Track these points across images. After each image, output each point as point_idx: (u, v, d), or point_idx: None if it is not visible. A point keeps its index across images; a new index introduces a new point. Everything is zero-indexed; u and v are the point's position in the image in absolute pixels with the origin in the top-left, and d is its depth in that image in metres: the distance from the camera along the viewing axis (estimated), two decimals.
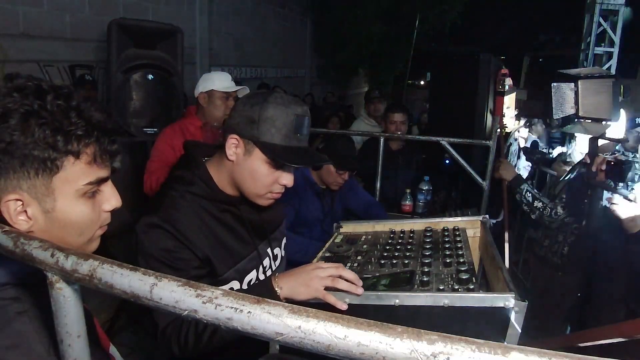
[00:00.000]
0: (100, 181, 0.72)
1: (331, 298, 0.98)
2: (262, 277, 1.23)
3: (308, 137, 1.13)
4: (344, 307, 0.97)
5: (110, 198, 0.75)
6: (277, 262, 1.32)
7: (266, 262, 1.25)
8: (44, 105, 0.64)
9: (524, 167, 4.02)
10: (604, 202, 1.85)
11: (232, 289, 1.14)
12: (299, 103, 1.11)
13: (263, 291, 1.01)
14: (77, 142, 0.66)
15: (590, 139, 2.14)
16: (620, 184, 1.76)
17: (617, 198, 1.71)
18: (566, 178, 2.57)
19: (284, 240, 1.39)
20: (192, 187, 1.12)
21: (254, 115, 1.06)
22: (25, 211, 0.66)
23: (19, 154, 0.63)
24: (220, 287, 0.49)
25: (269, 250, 1.27)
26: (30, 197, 0.65)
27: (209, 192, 1.13)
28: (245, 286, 1.18)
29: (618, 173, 1.74)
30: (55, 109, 0.65)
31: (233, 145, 1.09)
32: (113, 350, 0.88)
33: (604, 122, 2.03)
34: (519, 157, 3.92)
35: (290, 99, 1.11)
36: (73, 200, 0.69)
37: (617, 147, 2.20)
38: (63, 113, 0.65)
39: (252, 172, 1.09)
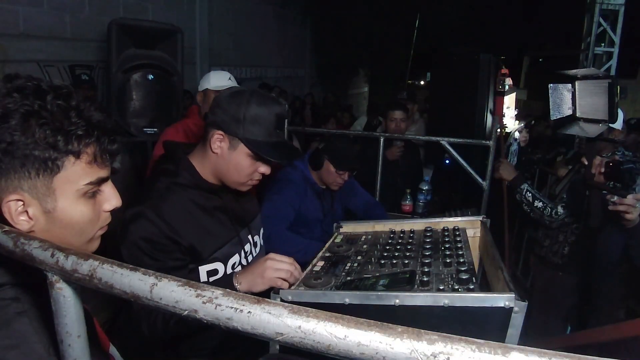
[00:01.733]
0: (101, 181, 0.72)
1: (284, 284, 1.09)
2: (244, 261, 1.34)
3: (285, 131, 1.24)
4: (285, 285, 1.09)
5: (111, 198, 0.75)
6: (257, 250, 1.42)
7: (247, 247, 1.35)
8: (44, 105, 0.64)
9: None
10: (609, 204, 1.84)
11: (216, 270, 1.25)
12: (277, 102, 1.23)
13: (225, 287, 1.07)
14: (77, 142, 0.66)
15: (588, 140, 2.14)
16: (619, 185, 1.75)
17: (619, 199, 1.70)
18: (566, 178, 2.57)
19: (262, 230, 1.49)
20: (177, 178, 1.22)
21: (239, 115, 1.16)
22: (27, 211, 0.66)
23: (20, 154, 0.63)
24: (217, 287, 0.49)
25: (249, 237, 1.38)
26: (31, 197, 0.65)
27: (193, 182, 1.23)
28: (229, 269, 1.28)
29: (617, 174, 1.73)
30: (56, 109, 0.65)
31: (218, 140, 1.19)
32: (113, 350, 0.88)
33: (600, 124, 2.03)
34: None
35: (270, 98, 1.23)
36: (74, 200, 0.69)
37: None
38: (63, 113, 0.65)
39: (236, 164, 1.21)
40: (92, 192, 0.71)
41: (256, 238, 1.42)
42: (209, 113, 1.24)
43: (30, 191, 0.65)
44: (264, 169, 1.24)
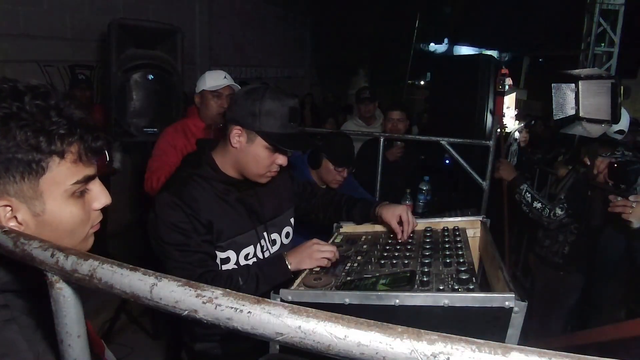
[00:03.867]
0: (88, 179, 0.70)
1: (329, 263, 1.26)
2: (260, 254, 1.41)
3: (298, 124, 1.34)
4: (329, 264, 1.25)
5: (100, 196, 0.73)
6: (276, 247, 1.47)
7: (263, 242, 1.42)
8: (23, 107, 0.62)
9: None
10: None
11: (228, 258, 1.34)
12: (290, 96, 1.31)
13: (276, 266, 1.29)
14: (60, 141, 0.64)
15: (590, 140, 2.14)
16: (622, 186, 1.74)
17: (621, 200, 1.70)
18: (567, 178, 2.57)
19: (287, 230, 1.53)
20: (199, 169, 1.33)
21: (255, 109, 1.25)
22: (15, 216, 0.65)
23: (3, 158, 0.61)
24: (217, 288, 0.49)
25: (265, 233, 1.43)
26: (18, 201, 0.64)
27: (213, 174, 1.33)
28: (242, 259, 1.37)
29: (622, 175, 1.73)
30: (35, 109, 0.63)
31: (237, 135, 1.28)
32: (109, 354, 0.87)
33: (603, 124, 2.03)
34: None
35: (283, 93, 1.30)
36: (62, 201, 0.67)
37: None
38: (43, 113, 0.64)
39: (255, 157, 1.29)
40: (80, 192, 0.70)
41: (274, 236, 1.47)
42: (227, 111, 1.34)
43: (17, 196, 0.64)
44: (281, 160, 1.32)
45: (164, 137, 2.45)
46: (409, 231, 1.41)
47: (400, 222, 1.42)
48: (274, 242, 1.47)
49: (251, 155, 1.29)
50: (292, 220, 1.56)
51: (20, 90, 0.64)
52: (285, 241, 1.52)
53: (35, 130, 0.63)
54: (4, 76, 0.67)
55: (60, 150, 0.65)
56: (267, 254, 1.43)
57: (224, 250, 1.33)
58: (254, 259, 1.39)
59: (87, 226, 0.73)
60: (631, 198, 1.63)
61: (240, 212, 1.36)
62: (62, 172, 0.66)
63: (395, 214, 1.43)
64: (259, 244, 1.40)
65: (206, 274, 1.25)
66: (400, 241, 1.39)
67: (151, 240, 1.29)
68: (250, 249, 1.38)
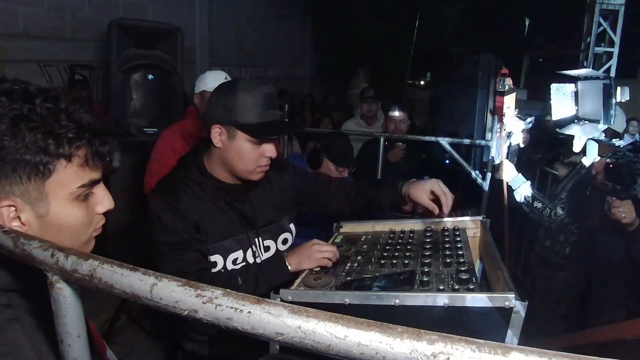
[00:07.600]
0: (93, 183, 0.71)
1: (329, 263, 1.25)
2: (250, 260, 1.38)
3: (279, 110, 1.30)
4: (330, 264, 1.23)
5: (103, 200, 0.74)
6: (269, 254, 1.43)
7: (254, 248, 1.39)
8: (34, 109, 0.63)
9: None
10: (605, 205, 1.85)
11: (215, 262, 1.31)
12: (264, 83, 1.27)
13: (277, 267, 1.28)
14: (68, 145, 0.65)
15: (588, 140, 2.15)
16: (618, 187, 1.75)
17: (617, 201, 1.70)
18: (567, 178, 2.57)
19: (285, 236, 1.48)
20: (189, 172, 1.32)
21: (229, 103, 1.21)
22: (19, 217, 0.65)
23: (11, 159, 0.62)
24: (217, 287, 0.49)
25: (257, 239, 1.39)
26: (23, 202, 0.65)
27: (202, 178, 1.31)
28: (229, 263, 1.33)
29: (617, 176, 1.74)
30: (45, 112, 0.64)
31: (217, 134, 1.24)
32: (110, 354, 0.87)
33: (599, 124, 2.04)
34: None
35: (256, 81, 1.27)
36: (67, 204, 0.68)
37: (621, 144, 2.18)
38: (53, 116, 0.64)
39: (239, 152, 1.25)
40: (84, 195, 0.70)
41: (268, 242, 1.43)
42: (204, 113, 1.31)
43: (22, 196, 0.64)
44: (269, 152, 1.27)
45: (162, 139, 2.44)
46: (449, 203, 1.29)
47: (434, 198, 1.32)
48: (267, 249, 1.43)
49: (235, 151, 1.24)
50: (291, 226, 1.51)
51: (31, 93, 0.65)
52: (282, 247, 1.47)
53: (45, 133, 0.63)
54: (16, 78, 0.67)
55: (68, 153, 0.66)
56: (258, 260, 1.40)
57: (211, 254, 1.30)
58: (243, 264, 1.36)
59: (89, 229, 0.73)
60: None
61: (229, 217, 1.33)
62: (69, 175, 0.67)
63: (426, 189, 1.33)
64: (249, 250, 1.37)
65: (203, 271, 1.25)
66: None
67: (147, 242, 1.29)
68: (239, 254, 1.35)
